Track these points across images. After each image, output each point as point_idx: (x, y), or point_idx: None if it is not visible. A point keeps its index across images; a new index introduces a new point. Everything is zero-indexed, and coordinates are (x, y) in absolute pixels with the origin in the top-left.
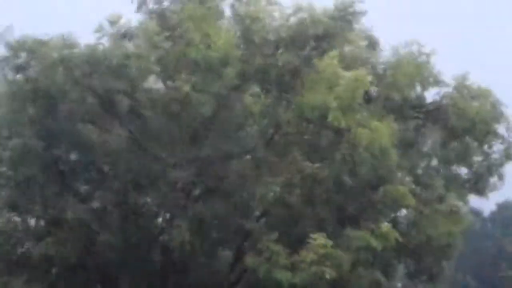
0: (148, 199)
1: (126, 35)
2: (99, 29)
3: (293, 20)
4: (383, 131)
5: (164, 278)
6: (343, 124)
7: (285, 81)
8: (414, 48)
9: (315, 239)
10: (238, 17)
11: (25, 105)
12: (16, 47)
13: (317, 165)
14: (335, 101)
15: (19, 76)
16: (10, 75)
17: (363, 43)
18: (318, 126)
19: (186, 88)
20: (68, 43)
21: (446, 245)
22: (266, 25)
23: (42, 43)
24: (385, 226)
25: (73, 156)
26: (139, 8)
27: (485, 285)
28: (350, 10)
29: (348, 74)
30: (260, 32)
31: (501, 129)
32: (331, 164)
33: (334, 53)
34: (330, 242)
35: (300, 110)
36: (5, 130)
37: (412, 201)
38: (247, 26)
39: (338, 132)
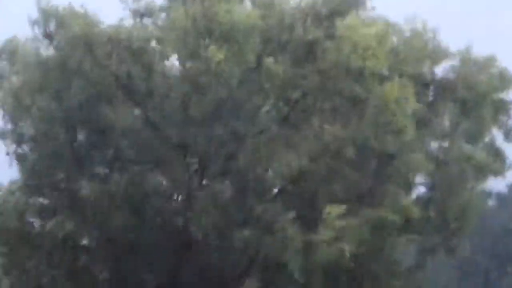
0: (163, 180)
1: (147, 13)
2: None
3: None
4: (408, 89)
5: (178, 260)
6: (384, 68)
7: (305, 52)
8: (418, 23)
9: (329, 212)
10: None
11: (48, 76)
12: (47, 14)
13: (338, 126)
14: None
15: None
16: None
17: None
18: (357, 75)
19: (220, 56)
20: (91, 20)
21: (461, 222)
22: (282, 8)
23: (72, 13)
24: (405, 200)
25: (88, 135)
26: None
27: (495, 262)
28: None
29: (368, 31)
30: (276, 15)
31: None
32: (353, 127)
33: (353, 15)
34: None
35: (332, 61)
36: (28, 99)
37: (430, 167)
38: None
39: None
